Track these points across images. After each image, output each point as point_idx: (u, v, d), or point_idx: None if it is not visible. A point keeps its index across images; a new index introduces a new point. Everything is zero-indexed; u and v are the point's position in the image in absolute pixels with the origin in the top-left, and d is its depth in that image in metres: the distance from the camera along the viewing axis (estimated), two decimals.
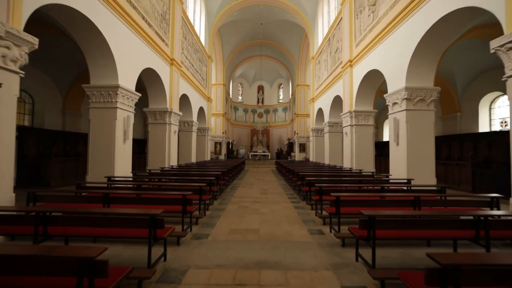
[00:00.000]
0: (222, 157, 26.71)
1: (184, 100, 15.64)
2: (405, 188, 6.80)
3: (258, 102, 35.58)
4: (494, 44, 4.96)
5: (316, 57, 19.64)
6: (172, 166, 12.19)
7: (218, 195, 8.73)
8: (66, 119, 13.27)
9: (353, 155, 12.27)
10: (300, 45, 25.76)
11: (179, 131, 16.31)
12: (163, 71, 11.82)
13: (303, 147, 26.71)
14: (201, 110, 19.09)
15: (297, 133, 26.85)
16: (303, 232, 5.09)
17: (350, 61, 12.51)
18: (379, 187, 6.24)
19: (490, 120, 12.35)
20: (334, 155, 16.24)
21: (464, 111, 12.99)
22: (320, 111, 18.85)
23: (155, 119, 12.20)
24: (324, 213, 5.89)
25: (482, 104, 12.50)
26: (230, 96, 32.07)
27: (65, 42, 10.49)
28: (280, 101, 35.36)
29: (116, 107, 8.12)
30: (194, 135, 16.59)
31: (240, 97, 35.32)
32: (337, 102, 15.51)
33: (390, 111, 8.97)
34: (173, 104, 12.60)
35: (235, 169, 14.47)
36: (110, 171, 8.00)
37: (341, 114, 13.43)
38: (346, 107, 12.97)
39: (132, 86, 8.94)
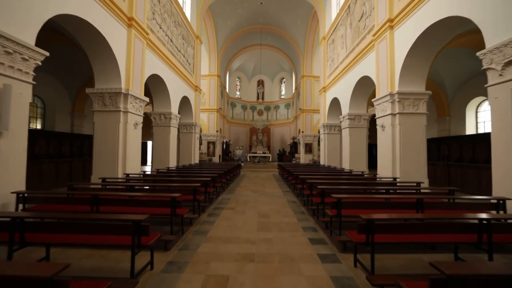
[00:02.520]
0: (216, 159, 22.52)
1: (158, 84, 11.46)
2: None
3: (258, 98, 31.38)
4: None
5: (329, 36, 15.45)
6: (127, 174, 8.01)
7: (175, 240, 4.51)
8: None
9: (395, 159, 8.06)
10: (306, 30, 21.57)
11: (152, 125, 12.17)
12: (114, 33, 7.65)
13: (309, 148, 22.51)
14: (186, 101, 14.93)
15: (303, 132, 22.65)
16: None
17: (390, 20, 8.31)
18: None
19: None
20: (357, 157, 12.03)
21: None
22: (335, 102, 14.64)
23: (103, 105, 8.01)
24: None
25: None
26: (227, 91, 27.91)
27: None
28: (282, 97, 31.16)
29: None
30: (173, 131, 12.39)
31: (238, 93, 31.14)
32: (363, 86, 11.34)
33: (495, 80, 4.77)
34: (132, 84, 8.41)
35: (225, 176, 10.25)
36: None
37: (373, 100, 9.22)
38: (382, 89, 8.77)
39: (20, 33, 4.75)
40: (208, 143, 22.46)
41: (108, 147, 7.91)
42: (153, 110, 12.23)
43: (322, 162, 16.34)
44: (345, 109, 12.69)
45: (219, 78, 22.95)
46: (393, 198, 4.77)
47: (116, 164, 7.89)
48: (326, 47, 16.02)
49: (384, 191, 5.86)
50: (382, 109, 8.73)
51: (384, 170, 8.63)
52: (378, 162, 9.12)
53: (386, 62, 8.54)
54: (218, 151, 23.00)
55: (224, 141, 25.85)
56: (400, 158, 7.92)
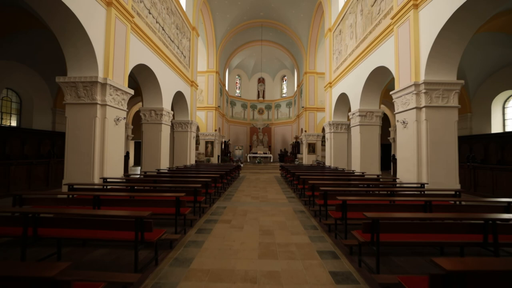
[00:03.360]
0: (214, 159, 21.24)
1: (147, 77, 10.19)
2: None
3: (258, 97, 30.10)
4: None
5: (335, 27, 14.17)
6: (104, 179, 6.72)
7: (142, 278, 3.23)
8: None
9: (421, 160, 6.77)
10: (310, 23, 20.28)
11: (142, 123, 10.90)
12: (89, 10, 6.36)
13: (312, 148, 21.21)
14: (181, 97, 13.67)
15: (306, 131, 21.36)
16: None
17: None
18: None
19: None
20: (368, 158, 10.72)
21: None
22: (342, 98, 13.37)
23: (76, 97, 6.74)
24: None
25: None
26: (226, 88, 26.61)
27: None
28: (284, 95, 29.87)
29: None
30: (165, 129, 11.11)
31: (238, 91, 29.85)
32: (377, 78, 10.07)
33: None
34: (112, 73, 7.14)
35: (221, 180, 8.97)
36: None
37: (392, 92, 7.92)
38: (404, 80, 7.48)
39: None
40: (206, 142, 21.18)
41: (82, 147, 6.64)
42: (142, 105, 10.96)
43: (327, 163, 15.05)
44: (355, 105, 11.40)
45: (218, 74, 21.68)
46: (446, 219, 3.46)
47: (92, 167, 6.62)
48: (332, 39, 14.74)
49: (414, 200, 4.58)
50: (403, 103, 7.44)
51: (406, 174, 7.34)
52: (398, 164, 7.82)
53: (408, 47, 7.26)
54: (217, 151, 21.73)
55: (223, 141, 24.57)
56: (427, 160, 6.63)
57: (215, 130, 21.24)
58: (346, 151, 14.26)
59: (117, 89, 7.26)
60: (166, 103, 11.30)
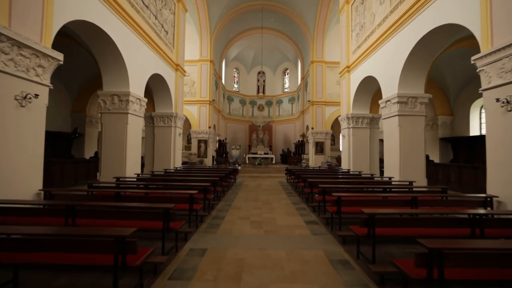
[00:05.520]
0: (208, 160, 18.08)
1: (106, 49, 7.06)
2: None
3: (258, 92, 26.97)
4: None
5: None
6: None
7: None
8: None
9: None
10: (318, 4, 17.15)
11: (101, 112, 7.81)
12: None
13: (320, 147, 18.11)
14: (162, 83, 10.56)
15: (312, 128, 18.25)
16: None
17: None
18: None
19: None
20: (410, 161, 7.60)
21: None
22: (364, 85, 10.29)
23: None
24: None
25: None
26: (223, 82, 23.47)
27: None
28: (286, 90, 26.72)
29: None
30: (133, 121, 7.93)
31: (235, 86, 26.70)
32: (428, 47, 6.97)
33: None
34: (6, 15, 4.00)
35: (206, 195, 5.82)
36: None
37: (476, 57, 4.77)
38: (505, 33, 4.37)
39: None
40: (199, 141, 18.01)
41: None
42: (102, 89, 7.82)
43: (344, 166, 11.97)
44: (390, 89, 8.29)
45: (212, 64, 18.53)
46: None
47: None
48: (350, 13, 11.63)
49: None
50: (505, 71, 4.33)
51: (509, 188, 4.24)
52: (489, 171, 4.70)
53: None
54: (211, 151, 18.57)
55: (218, 139, 21.42)
56: None
57: (209, 127, 18.09)
58: (369, 151, 11.18)
59: (22, 45, 4.12)
60: (136, 87, 8.16)
